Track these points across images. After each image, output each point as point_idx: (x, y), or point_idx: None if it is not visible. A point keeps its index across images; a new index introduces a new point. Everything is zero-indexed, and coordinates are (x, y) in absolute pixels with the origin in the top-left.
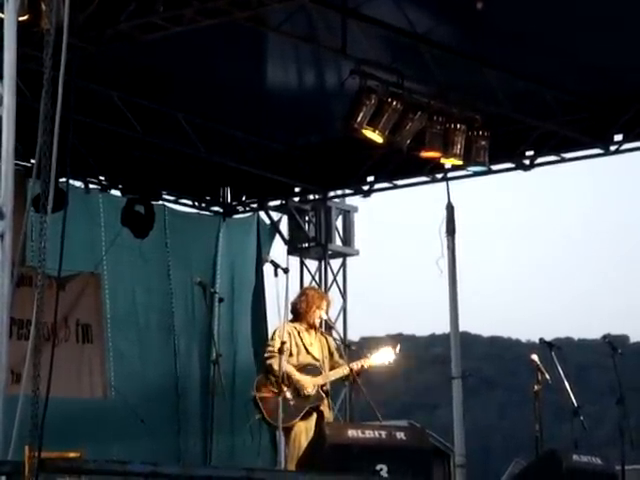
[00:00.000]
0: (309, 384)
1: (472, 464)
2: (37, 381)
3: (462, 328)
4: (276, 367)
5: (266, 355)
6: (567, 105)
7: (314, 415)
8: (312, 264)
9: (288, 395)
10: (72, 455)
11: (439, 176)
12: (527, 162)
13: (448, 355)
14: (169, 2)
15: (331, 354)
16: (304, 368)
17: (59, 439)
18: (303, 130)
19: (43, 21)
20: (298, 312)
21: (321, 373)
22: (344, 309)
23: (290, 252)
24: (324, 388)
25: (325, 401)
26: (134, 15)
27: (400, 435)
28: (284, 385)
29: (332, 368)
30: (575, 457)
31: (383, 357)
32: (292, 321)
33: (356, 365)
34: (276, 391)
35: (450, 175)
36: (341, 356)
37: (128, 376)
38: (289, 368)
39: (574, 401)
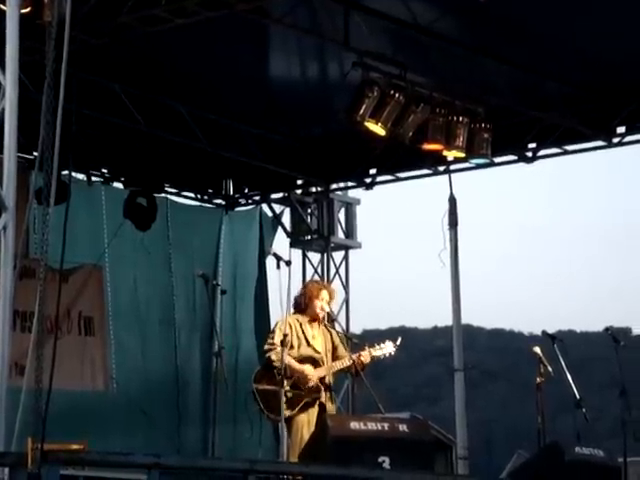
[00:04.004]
0: (312, 374)
1: (474, 456)
2: (40, 373)
3: (464, 321)
4: (275, 359)
5: (266, 348)
6: (570, 97)
7: (315, 407)
8: (314, 257)
9: (287, 387)
10: (75, 447)
11: (441, 168)
12: (530, 154)
13: (450, 347)
14: None
15: (335, 348)
16: (304, 360)
17: (61, 431)
18: (306, 122)
19: (45, 13)
20: (300, 306)
21: (321, 366)
22: (346, 302)
23: (292, 244)
24: (325, 381)
25: (327, 394)
26: (136, 7)
27: (402, 427)
28: (285, 378)
29: (335, 361)
30: (577, 449)
31: (384, 350)
32: (295, 313)
33: (358, 357)
34: (275, 383)
35: (453, 167)
36: (345, 348)
37: (129, 368)
38: (289, 359)
39: (576, 393)
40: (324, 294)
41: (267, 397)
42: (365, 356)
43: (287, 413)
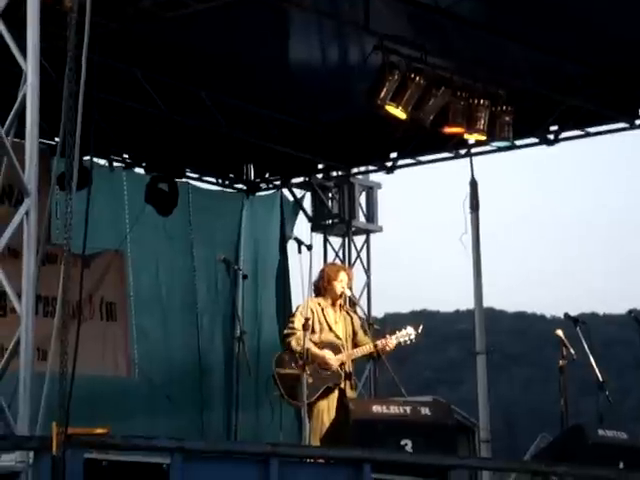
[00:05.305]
0: (333, 359)
1: (497, 439)
2: (64, 358)
3: (486, 304)
4: (294, 344)
5: (286, 332)
6: (591, 79)
7: (335, 393)
8: (336, 241)
9: (308, 373)
10: (100, 431)
11: (463, 152)
12: (551, 137)
13: (472, 331)
14: None
15: (355, 333)
16: (324, 346)
17: (84, 416)
18: (326, 106)
19: None
20: (319, 290)
21: (342, 351)
22: (368, 285)
23: (314, 229)
24: (345, 367)
25: (347, 381)
26: None
27: (425, 410)
28: (306, 362)
29: (356, 346)
30: (600, 432)
31: (406, 336)
32: (316, 297)
33: (380, 343)
34: (296, 368)
35: (474, 151)
36: (365, 333)
37: (151, 353)
38: (309, 344)
39: (599, 376)
40: (342, 275)
41: (288, 382)
42: (387, 343)
43: (309, 399)
